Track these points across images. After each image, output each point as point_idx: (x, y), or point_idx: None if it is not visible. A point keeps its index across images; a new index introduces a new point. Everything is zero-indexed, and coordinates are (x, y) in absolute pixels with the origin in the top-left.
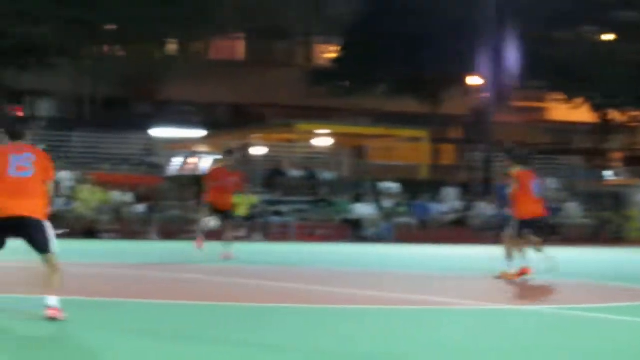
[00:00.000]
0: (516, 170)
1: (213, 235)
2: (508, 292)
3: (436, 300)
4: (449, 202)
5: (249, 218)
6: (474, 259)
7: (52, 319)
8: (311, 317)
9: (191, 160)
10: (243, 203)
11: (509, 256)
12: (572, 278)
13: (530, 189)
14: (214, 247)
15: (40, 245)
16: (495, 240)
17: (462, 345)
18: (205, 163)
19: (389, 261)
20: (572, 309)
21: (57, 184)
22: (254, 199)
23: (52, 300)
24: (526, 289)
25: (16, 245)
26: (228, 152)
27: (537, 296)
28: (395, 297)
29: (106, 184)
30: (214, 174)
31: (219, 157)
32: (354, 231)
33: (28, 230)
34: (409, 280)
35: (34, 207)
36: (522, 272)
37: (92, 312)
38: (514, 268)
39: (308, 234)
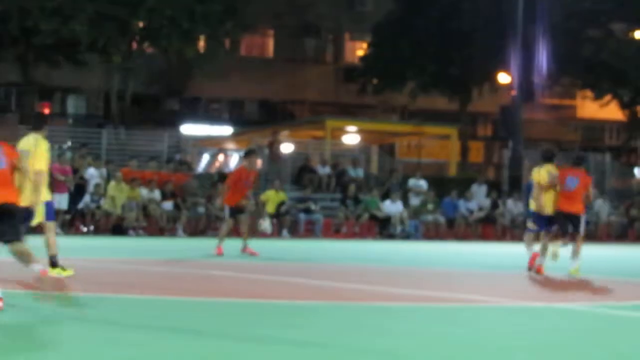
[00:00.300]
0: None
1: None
2: (539, 289)
3: (468, 297)
4: (478, 199)
5: (278, 215)
6: (503, 256)
7: None
8: (344, 314)
9: (220, 157)
10: (272, 200)
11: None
12: (602, 275)
13: (564, 185)
14: (233, 244)
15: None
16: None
17: (497, 344)
18: (233, 160)
19: (417, 259)
20: (605, 306)
21: (85, 180)
22: (283, 196)
23: None
24: (558, 286)
25: None
26: (249, 152)
27: (569, 293)
28: (426, 294)
29: (134, 181)
30: (237, 174)
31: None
32: (382, 229)
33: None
34: (438, 278)
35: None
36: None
37: (116, 308)
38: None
39: (335, 231)
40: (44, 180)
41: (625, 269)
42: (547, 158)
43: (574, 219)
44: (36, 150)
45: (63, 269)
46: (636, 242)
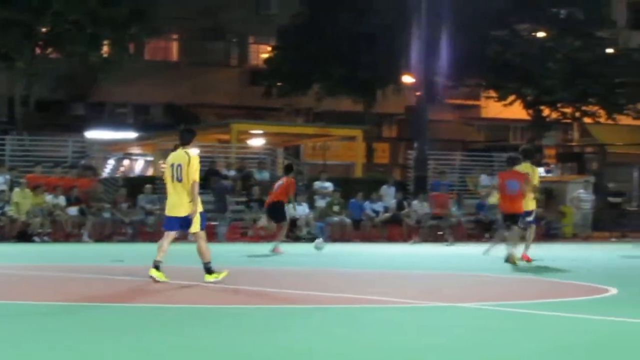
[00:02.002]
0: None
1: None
2: (447, 289)
3: (374, 298)
4: (384, 200)
5: None
6: (410, 257)
7: None
8: (250, 317)
9: (125, 162)
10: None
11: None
12: (508, 274)
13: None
14: (141, 248)
15: None
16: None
17: (404, 344)
18: (139, 165)
19: (323, 260)
20: (511, 305)
21: None
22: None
23: None
24: (466, 286)
25: None
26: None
27: (476, 293)
28: (332, 295)
29: (39, 187)
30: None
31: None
32: (288, 230)
33: None
34: (344, 279)
35: None
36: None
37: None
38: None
39: (242, 235)
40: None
41: (531, 267)
42: (527, 156)
43: (515, 218)
44: (190, 163)
45: (217, 273)
46: (542, 241)
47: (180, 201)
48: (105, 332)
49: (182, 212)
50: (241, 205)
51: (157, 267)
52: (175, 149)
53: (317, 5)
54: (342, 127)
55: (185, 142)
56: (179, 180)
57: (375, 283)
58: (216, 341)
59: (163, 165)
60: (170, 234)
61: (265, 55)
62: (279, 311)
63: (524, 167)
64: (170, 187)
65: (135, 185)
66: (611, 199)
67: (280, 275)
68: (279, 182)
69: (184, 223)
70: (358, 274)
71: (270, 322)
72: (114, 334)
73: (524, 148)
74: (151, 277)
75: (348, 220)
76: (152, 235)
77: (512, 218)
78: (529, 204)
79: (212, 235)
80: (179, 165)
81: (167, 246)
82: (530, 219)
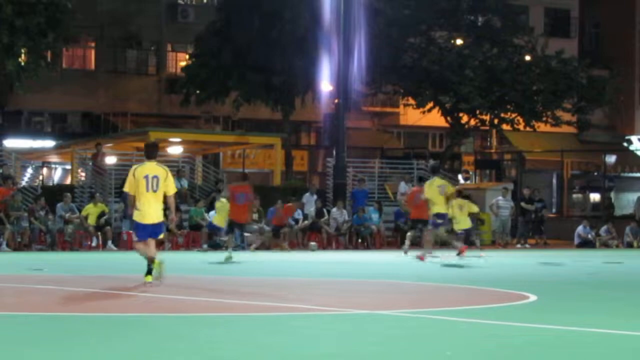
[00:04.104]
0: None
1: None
2: (365, 297)
3: (294, 306)
4: (308, 208)
5: (99, 227)
6: (329, 265)
7: None
8: (170, 326)
9: (43, 170)
10: (92, 213)
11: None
12: (428, 281)
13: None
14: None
15: None
16: (349, 244)
17: (322, 351)
18: (57, 173)
19: (244, 269)
20: (429, 312)
21: None
22: (103, 206)
23: None
24: (384, 293)
25: None
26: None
27: (394, 300)
28: (252, 304)
29: None
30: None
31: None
32: (208, 239)
33: None
34: (264, 287)
35: None
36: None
37: None
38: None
39: (160, 243)
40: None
41: (450, 274)
42: (435, 171)
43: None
44: (168, 176)
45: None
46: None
47: (154, 210)
48: (23, 342)
49: (154, 220)
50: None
51: (150, 272)
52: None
53: (232, 13)
54: (261, 135)
55: (152, 156)
56: (155, 190)
57: (295, 290)
58: (128, 350)
59: (81, 175)
60: (149, 241)
61: (182, 63)
62: (199, 320)
63: (437, 181)
64: (143, 197)
65: (53, 194)
66: (528, 206)
67: (200, 283)
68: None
69: (155, 230)
70: (277, 282)
71: (191, 330)
72: (31, 343)
73: (431, 165)
74: (149, 282)
75: (267, 228)
76: (71, 244)
77: (421, 222)
78: (440, 208)
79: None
80: (156, 176)
81: (154, 248)
82: (440, 221)
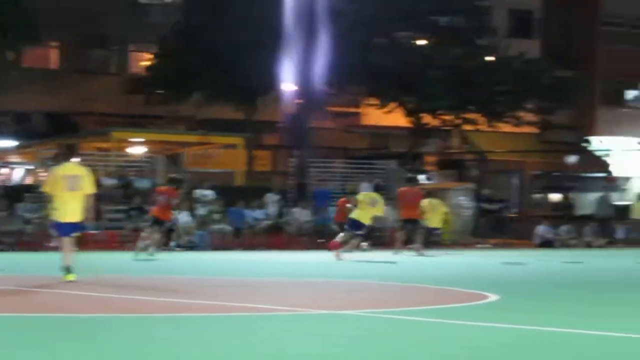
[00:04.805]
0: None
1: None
2: (327, 297)
3: (257, 306)
4: (265, 208)
5: None
6: (292, 265)
7: None
8: (132, 326)
9: (4, 170)
10: None
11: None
12: (387, 281)
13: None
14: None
15: None
16: (311, 245)
17: (287, 352)
18: (18, 173)
19: (206, 269)
20: (391, 312)
21: None
22: None
23: None
24: (345, 293)
25: None
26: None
27: (357, 300)
28: (215, 304)
29: None
30: None
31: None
32: (168, 239)
33: None
34: (227, 288)
35: None
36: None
37: None
38: None
39: (121, 242)
40: None
41: (413, 274)
42: (376, 190)
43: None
44: (89, 176)
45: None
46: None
47: (75, 209)
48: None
49: (75, 218)
50: (121, 213)
51: (68, 271)
52: (57, 159)
53: (196, 13)
54: (224, 135)
55: (72, 158)
56: (74, 190)
57: (259, 291)
58: (89, 352)
59: (43, 175)
60: (67, 239)
61: (146, 63)
62: (164, 320)
63: (375, 195)
64: (65, 196)
65: (14, 194)
66: (490, 206)
67: (163, 283)
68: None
69: (75, 228)
70: (240, 282)
71: (155, 331)
72: None
73: (377, 183)
74: (69, 281)
75: (229, 228)
76: (32, 244)
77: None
78: (366, 219)
79: (91, 243)
80: (75, 176)
81: (71, 247)
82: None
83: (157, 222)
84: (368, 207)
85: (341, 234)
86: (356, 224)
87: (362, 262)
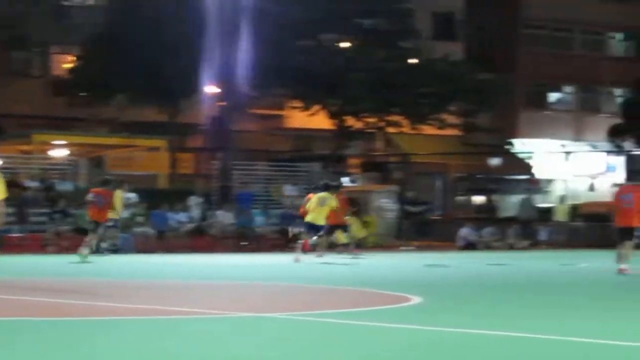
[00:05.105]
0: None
1: None
2: (255, 299)
3: (183, 309)
4: (189, 211)
5: None
6: (216, 267)
7: None
8: (56, 330)
9: None
10: None
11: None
12: (322, 284)
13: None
14: None
15: None
16: (234, 247)
17: (214, 355)
18: None
19: (130, 271)
20: (318, 315)
21: None
22: None
23: None
24: (273, 296)
25: None
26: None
27: (288, 303)
28: (140, 307)
29: None
30: None
31: None
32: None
33: None
34: (152, 290)
35: None
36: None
37: None
38: None
39: (43, 246)
40: None
41: (337, 277)
42: (326, 189)
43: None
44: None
45: None
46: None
47: None
48: None
49: None
50: (44, 216)
51: None
52: None
53: (118, 15)
54: (146, 137)
55: None
56: None
57: (183, 294)
58: (6, 357)
59: None
60: None
61: (68, 65)
62: (85, 324)
63: (324, 194)
64: None
65: None
66: (413, 208)
67: (84, 286)
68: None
69: None
70: (164, 285)
71: (75, 335)
72: None
73: (325, 183)
74: None
75: (152, 231)
76: None
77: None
78: (320, 220)
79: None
80: None
81: None
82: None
83: (94, 224)
84: (319, 208)
85: (314, 238)
86: (312, 227)
87: (288, 265)
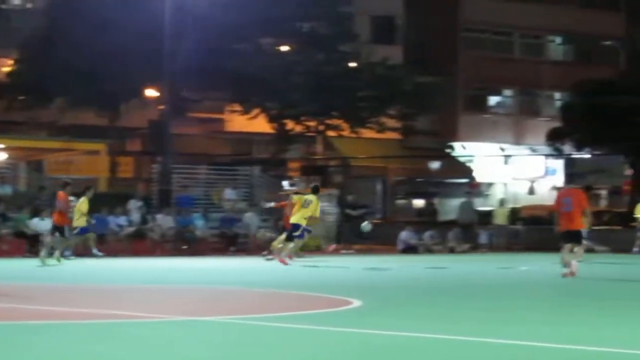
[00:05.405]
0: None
1: None
2: (189, 303)
3: (121, 313)
4: (129, 214)
5: None
6: (156, 271)
7: None
8: None
9: None
10: None
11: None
12: (252, 287)
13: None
14: None
15: None
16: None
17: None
18: None
19: (68, 275)
20: (258, 318)
21: None
22: None
23: None
24: (213, 300)
25: None
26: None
27: (223, 307)
28: (76, 311)
29: None
30: None
31: None
32: (31, 246)
33: None
34: (89, 294)
35: None
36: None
37: None
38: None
39: None
40: None
41: (278, 280)
42: (314, 192)
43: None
44: None
45: None
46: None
47: None
48: None
49: None
50: None
51: None
52: None
53: (57, 18)
54: (86, 141)
55: None
56: None
57: (123, 298)
58: None
59: None
60: None
61: (6, 69)
62: (22, 328)
63: (309, 196)
64: None
65: None
66: (353, 212)
67: (21, 291)
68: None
69: None
70: (104, 289)
71: (12, 339)
72: None
73: (315, 186)
74: None
75: (92, 235)
76: None
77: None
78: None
79: None
80: None
81: None
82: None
83: (56, 228)
84: (302, 209)
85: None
86: (296, 228)
87: (229, 268)
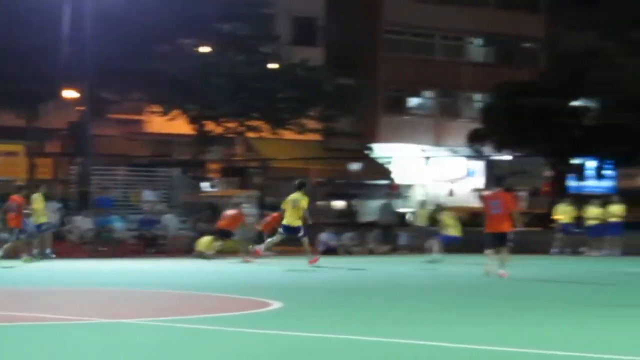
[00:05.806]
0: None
1: None
2: (110, 306)
3: (41, 315)
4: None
5: None
6: (75, 273)
7: None
8: None
9: None
10: None
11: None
12: (172, 289)
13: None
14: None
15: None
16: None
17: None
18: None
19: None
20: (177, 320)
21: None
22: None
23: None
24: (134, 302)
25: None
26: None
27: (143, 309)
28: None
29: None
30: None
31: None
32: None
33: None
34: (4, 297)
35: None
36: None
37: None
38: None
39: None
40: None
41: (193, 282)
42: (299, 188)
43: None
44: None
45: None
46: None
47: None
48: None
49: None
50: None
51: None
52: None
53: None
54: (4, 142)
55: None
56: None
57: (43, 299)
58: None
59: None
60: None
61: None
62: None
63: (296, 195)
64: None
65: None
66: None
67: None
68: None
69: None
70: (23, 291)
71: None
72: None
73: (299, 182)
74: None
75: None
76: None
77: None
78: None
79: None
80: None
81: None
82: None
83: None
84: (292, 210)
85: (268, 240)
86: (288, 229)
87: (149, 271)
